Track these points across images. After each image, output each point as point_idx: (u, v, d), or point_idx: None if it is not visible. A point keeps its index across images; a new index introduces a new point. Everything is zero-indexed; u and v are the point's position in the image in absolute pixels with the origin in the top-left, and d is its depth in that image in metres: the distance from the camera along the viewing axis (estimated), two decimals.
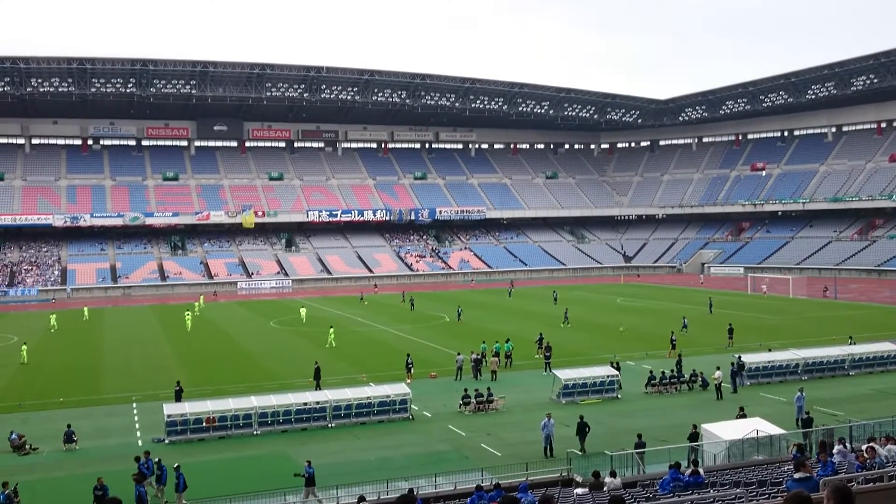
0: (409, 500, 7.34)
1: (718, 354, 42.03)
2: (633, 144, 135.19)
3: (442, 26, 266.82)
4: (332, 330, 49.73)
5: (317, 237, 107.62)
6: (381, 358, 44.56)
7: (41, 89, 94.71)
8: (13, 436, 28.01)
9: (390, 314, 64.65)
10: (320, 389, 34.28)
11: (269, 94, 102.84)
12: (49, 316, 61.70)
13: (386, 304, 72.44)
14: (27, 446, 27.86)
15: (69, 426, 28.61)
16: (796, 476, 11.66)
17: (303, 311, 63.64)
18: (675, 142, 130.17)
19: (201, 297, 76.72)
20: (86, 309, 68.05)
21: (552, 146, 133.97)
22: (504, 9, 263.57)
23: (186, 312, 61.43)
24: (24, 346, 46.27)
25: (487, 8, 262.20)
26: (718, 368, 35.14)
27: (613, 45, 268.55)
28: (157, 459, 23.66)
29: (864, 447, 18.94)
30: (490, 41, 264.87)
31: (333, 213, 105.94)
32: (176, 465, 22.84)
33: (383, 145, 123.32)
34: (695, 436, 25.10)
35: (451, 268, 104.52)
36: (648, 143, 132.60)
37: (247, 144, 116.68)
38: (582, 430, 27.12)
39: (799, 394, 29.89)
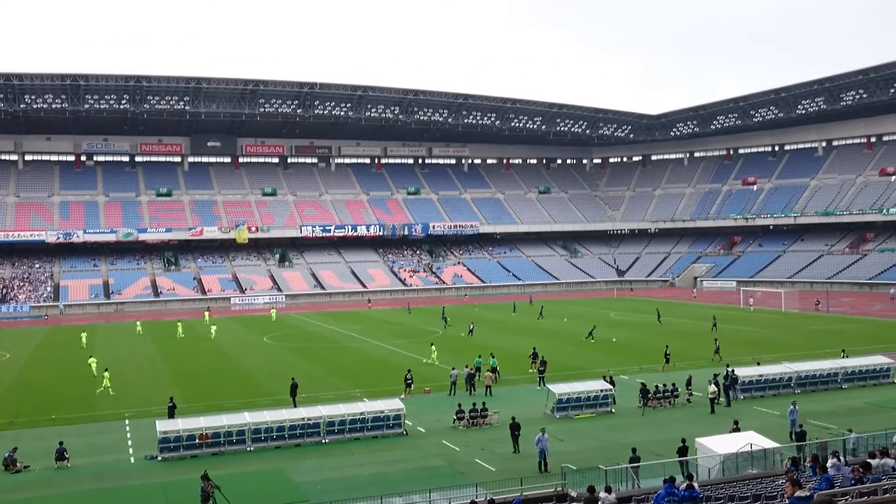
0: None
1: (713, 368, 42.02)
2: (625, 159, 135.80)
3: (435, 42, 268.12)
4: (433, 347, 48.61)
5: (310, 252, 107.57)
6: (375, 373, 44.46)
7: (34, 105, 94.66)
8: (8, 454, 27.73)
9: (385, 329, 64.50)
10: (295, 406, 34.00)
11: (262, 109, 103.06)
12: (176, 324, 65.99)
13: (425, 316, 72.37)
14: (18, 464, 27.64)
15: (61, 443, 28.38)
16: (799, 494, 11.68)
17: (273, 313, 75.32)
18: (666, 156, 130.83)
19: (206, 312, 76.09)
20: (138, 323, 68.35)
21: (545, 161, 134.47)
22: (498, 26, 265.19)
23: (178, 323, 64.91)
24: (106, 374, 41.33)
25: (480, 25, 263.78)
26: (711, 382, 35.14)
27: (605, 61, 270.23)
28: None
29: (861, 462, 18.94)
30: (483, 57, 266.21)
31: (327, 228, 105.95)
32: None
33: (376, 160, 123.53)
34: (683, 450, 25.09)
35: (444, 282, 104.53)
36: (640, 157, 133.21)
37: (240, 160, 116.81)
38: (513, 431, 28.36)
39: (792, 407, 29.95)
